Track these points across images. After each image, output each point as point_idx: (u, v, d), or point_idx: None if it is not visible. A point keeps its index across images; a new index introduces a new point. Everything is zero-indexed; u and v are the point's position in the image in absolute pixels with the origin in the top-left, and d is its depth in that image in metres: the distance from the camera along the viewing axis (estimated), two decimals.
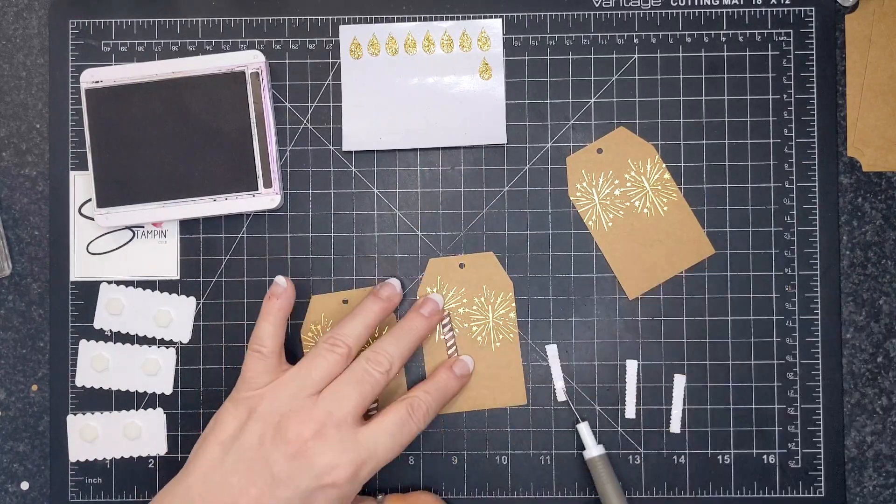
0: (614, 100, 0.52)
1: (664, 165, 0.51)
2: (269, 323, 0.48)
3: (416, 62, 0.52)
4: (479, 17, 0.52)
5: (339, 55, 0.52)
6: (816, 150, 0.52)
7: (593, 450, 0.50)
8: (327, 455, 0.43)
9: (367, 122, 0.52)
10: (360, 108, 0.52)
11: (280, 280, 0.49)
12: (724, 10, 0.52)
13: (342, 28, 0.52)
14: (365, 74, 0.52)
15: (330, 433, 0.44)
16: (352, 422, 0.45)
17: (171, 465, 0.52)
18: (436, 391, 0.48)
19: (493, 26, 0.52)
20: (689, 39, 0.52)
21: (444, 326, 0.51)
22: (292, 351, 0.52)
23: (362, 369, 0.46)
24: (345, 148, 0.52)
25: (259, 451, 0.44)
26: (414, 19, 0.52)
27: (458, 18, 0.52)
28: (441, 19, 0.52)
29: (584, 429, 0.50)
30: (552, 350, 0.51)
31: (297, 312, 0.52)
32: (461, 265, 0.52)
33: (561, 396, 0.51)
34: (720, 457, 0.51)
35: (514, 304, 0.52)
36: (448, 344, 0.51)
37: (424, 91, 0.51)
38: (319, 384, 0.45)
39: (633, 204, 0.51)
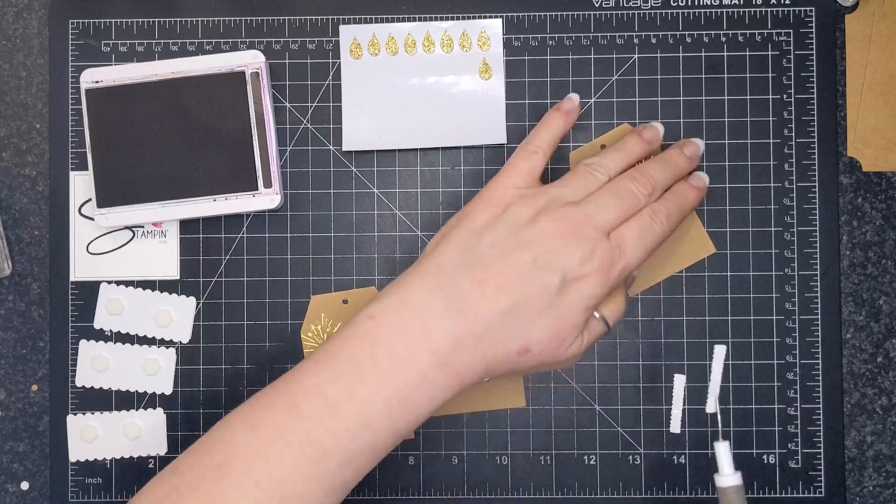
0: (614, 100, 0.52)
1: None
2: (549, 131, 0.48)
3: (416, 62, 0.52)
4: (479, 17, 0.52)
5: (339, 55, 0.52)
6: (816, 150, 0.52)
7: (729, 478, 0.46)
8: (583, 249, 0.43)
9: (367, 122, 0.52)
10: (360, 108, 0.52)
11: (573, 97, 0.49)
12: (724, 10, 0.52)
13: (342, 28, 0.52)
14: (365, 74, 0.52)
15: (587, 232, 0.43)
16: (606, 229, 0.44)
17: None
18: (674, 198, 0.47)
19: (492, 26, 0.52)
20: (689, 39, 0.52)
21: None
22: (292, 352, 0.52)
23: (626, 187, 0.45)
24: (345, 148, 0.52)
25: (515, 240, 0.43)
26: (414, 19, 0.52)
27: (458, 18, 0.52)
28: (441, 19, 0.52)
29: (722, 449, 0.46)
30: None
31: (297, 312, 0.52)
32: None
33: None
34: None
35: None
36: None
37: (424, 91, 0.51)
38: (579, 196, 0.45)
39: None
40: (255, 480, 0.39)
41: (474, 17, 0.52)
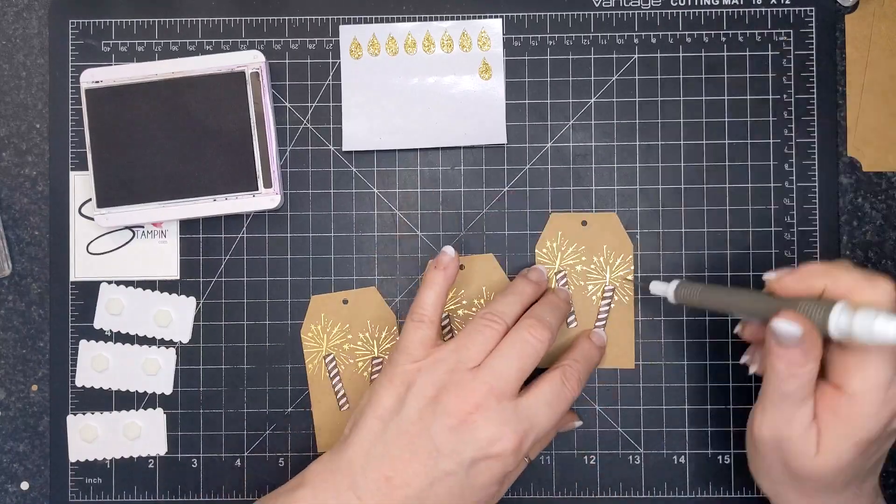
0: (614, 100, 0.52)
1: (632, 269, 0.51)
2: (433, 292, 0.47)
3: (416, 62, 0.52)
4: (480, 18, 0.52)
5: (339, 55, 0.52)
6: (816, 150, 0.52)
7: (671, 287, 0.46)
8: (490, 427, 0.42)
9: (367, 122, 0.52)
10: (361, 107, 0.52)
11: (448, 250, 0.48)
12: (724, 10, 0.52)
13: (342, 28, 0.52)
14: (365, 74, 0.52)
15: (491, 405, 0.43)
16: (511, 394, 0.43)
17: (171, 465, 0.52)
18: (583, 359, 0.47)
19: (492, 26, 0.52)
20: (689, 39, 0.52)
21: (444, 328, 0.51)
22: (292, 352, 0.52)
23: (523, 339, 0.45)
24: (345, 148, 0.52)
25: (419, 425, 0.43)
26: (414, 19, 0.52)
27: (458, 18, 0.52)
28: (441, 19, 0.52)
29: (656, 286, 0.47)
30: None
31: (297, 312, 0.52)
32: (461, 266, 0.52)
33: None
34: (720, 457, 0.51)
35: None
36: None
37: (424, 91, 0.51)
38: (477, 358, 0.44)
39: (586, 286, 0.51)
40: None
41: (474, 18, 0.52)
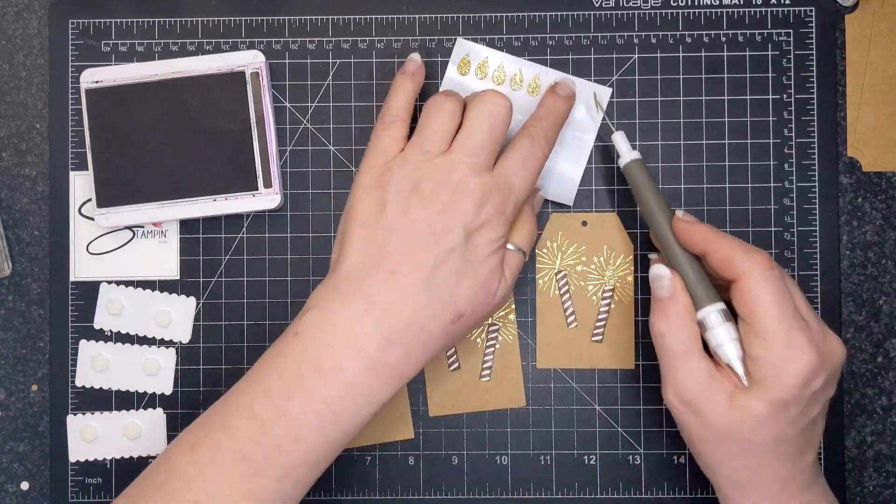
0: (614, 100, 0.52)
1: (632, 269, 0.51)
2: (402, 95, 0.46)
3: (516, 98, 0.51)
4: (592, 80, 0.51)
5: (441, 69, 0.52)
6: (816, 150, 0.52)
7: (627, 155, 0.47)
8: (472, 198, 0.42)
9: None
10: None
11: (415, 57, 0.48)
12: (724, 10, 0.52)
13: (459, 40, 0.51)
14: (464, 91, 0.51)
15: (469, 180, 0.43)
16: (486, 167, 0.44)
17: None
18: (546, 114, 0.47)
19: (602, 93, 0.51)
20: (689, 39, 0.52)
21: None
22: None
23: (485, 110, 0.44)
24: None
25: (408, 218, 0.43)
26: (414, 19, 0.52)
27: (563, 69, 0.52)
28: (441, 19, 0.52)
29: (618, 137, 0.48)
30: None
31: (297, 312, 0.52)
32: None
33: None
34: None
35: (513, 306, 0.52)
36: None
37: (515, 129, 0.51)
38: (446, 141, 0.44)
39: (586, 287, 0.51)
40: (195, 499, 0.40)
41: (588, 79, 0.51)
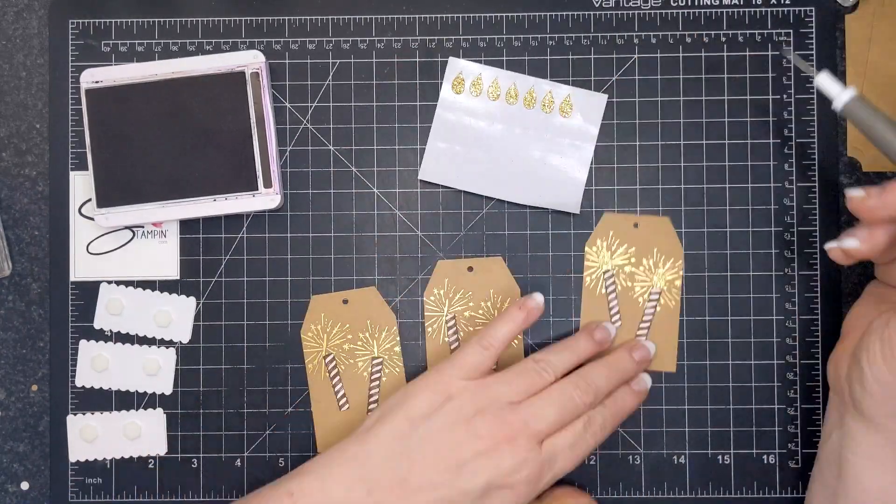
0: (614, 100, 0.52)
1: (682, 274, 0.51)
2: (507, 328, 0.47)
3: (512, 112, 0.51)
4: (588, 89, 0.51)
5: (439, 87, 0.52)
6: (816, 150, 0.52)
7: (843, 94, 0.44)
8: (514, 458, 0.43)
9: (447, 157, 0.51)
10: (447, 142, 0.51)
11: (538, 297, 0.48)
12: (724, 10, 0.52)
13: (451, 60, 0.52)
14: (460, 111, 0.51)
15: (520, 440, 0.44)
16: (540, 437, 0.44)
17: (171, 465, 0.52)
18: (612, 406, 0.47)
19: (597, 101, 0.51)
20: (689, 39, 0.52)
21: (449, 329, 0.51)
22: (292, 352, 0.52)
23: (569, 395, 0.45)
24: (420, 177, 0.51)
25: (449, 437, 0.43)
26: (414, 19, 0.52)
27: (563, 82, 0.52)
28: (441, 19, 0.52)
29: (823, 79, 0.44)
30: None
31: (297, 312, 0.52)
32: (470, 268, 0.52)
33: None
34: (720, 457, 0.51)
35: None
36: (452, 346, 0.51)
37: (513, 143, 0.51)
38: (521, 396, 0.45)
39: (633, 287, 0.51)
40: None
41: (583, 87, 0.51)
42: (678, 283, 0.51)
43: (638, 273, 0.51)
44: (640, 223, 0.51)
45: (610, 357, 0.48)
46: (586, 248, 0.51)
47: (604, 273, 0.51)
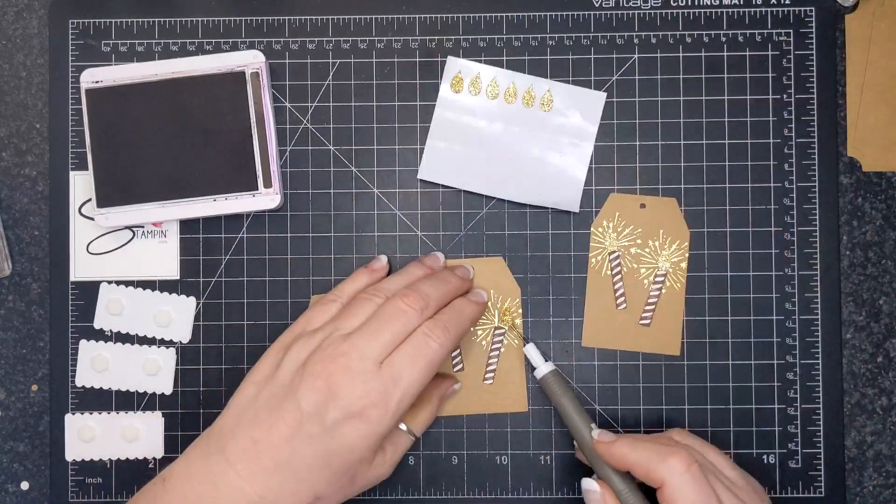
0: (614, 100, 0.52)
1: (688, 255, 0.51)
2: (355, 285, 0.49)
3: (511, 112, 0.51)
4: (587, 87, 0.51)
5: (438, 88, 0.52)
6: (816, 150, 0.52)
7: (543, 367, 0.49)
8: (352, 387, 0.42)
9: (446, 156, 0.51)
10: (446, 140, 0.51)
11: (382, 259, 0.51)
12: (724, 10, 0.52)
13: (449, 59, 0.52)
14: (459, 110, 0.51)
15: (355, 366, 0.43)
16: (376, 358, 0.43)
17: None
18: (449, 311, 0.47)
19: (596, 99, 0.51)
20: (689, 39, 0.52)
21: None
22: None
23: (397, 307, 0.45)
24: (420, 176, 0.51)
25: (288, 388, 0.43)
26: (414, 19, 0.52)
27: (560, 80, 0.52)
28: (441, 19, 0.52)
29: (531, 350, 0.50)
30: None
31: (297, 312, 0.52)
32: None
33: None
34: None
35: (520, 311, 0.52)
36: None
37: (512, 142, 0.51)
38: (354, 327, 0.45)
39: (639, 269, 0.51)
40: None
41: (582, 86, 0.51)
42: (683, 264, 0.51)
43: (643, 254, 0.51)
44: (646, 203, 0.51)
45: (433, 275, 0.49)
46: (592, 229, 0.51)
47: (609, 254, 0.51)
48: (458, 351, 0.51)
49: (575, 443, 0.49)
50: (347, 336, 0.44)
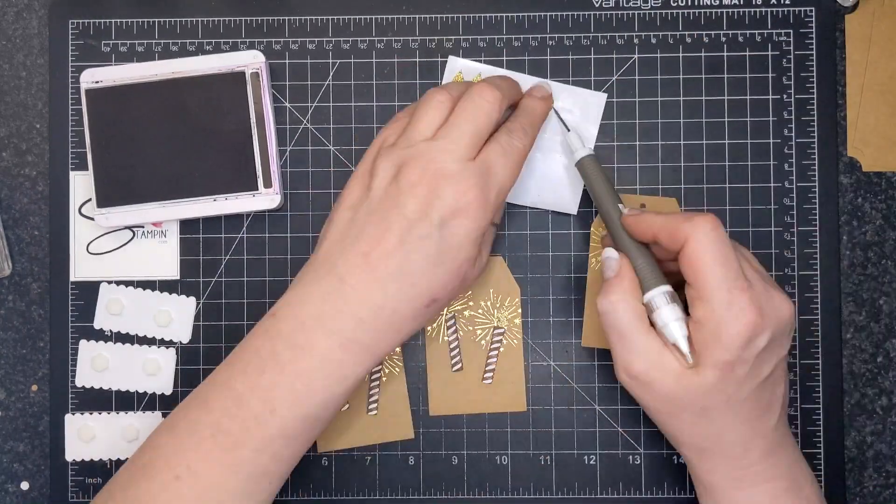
0: (614, 100, 0.52)
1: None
2: (426, 107, 0.46)
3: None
4: (587, 87, 0.51)
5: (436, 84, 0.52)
6: (816, 150, 0.52)
7: (580, 152, 0.48)
8: (451, 186, 0.42)
9: None
10: None
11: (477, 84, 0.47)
12: (724, 10, 0.52)
13: (451, 59, 0.52)
14: None
15: (449, 167, 0.43)
16: (467, 156, 0.43)
17: None
18: (522, 113, 0.47)
19: (595, 100, 0.51)
20: (689, 39, 0.52)
21: (449, 328, 0.51)
22: None
23: (474, 102, 0.44)
24: None
25: (388, 202, 0.43)
26: (414, 19, 0.52)
27: (564, 82, 0.52)
28: (441, 19, 0.52)
29: (572, 136, 0.49)
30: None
31: None
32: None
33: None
34: None
35: (520, 311, 0.52)
36: (451, 346, 0.51)
37: None
38: (429, 131, 0.45)
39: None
40: (175, 475, 0.41)
41: (581, 85, 0.51)
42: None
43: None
44: (646, 204, 0.51)
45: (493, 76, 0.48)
46: (592, 229, 0.51)
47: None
48: (457, 351, 0.51)
49: (606, 226, 0.48)
50: (432, 141, 0.44)
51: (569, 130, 0.49)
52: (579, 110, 0.51)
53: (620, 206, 0.46)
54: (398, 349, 0.52)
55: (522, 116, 0.47)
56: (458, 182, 0.43)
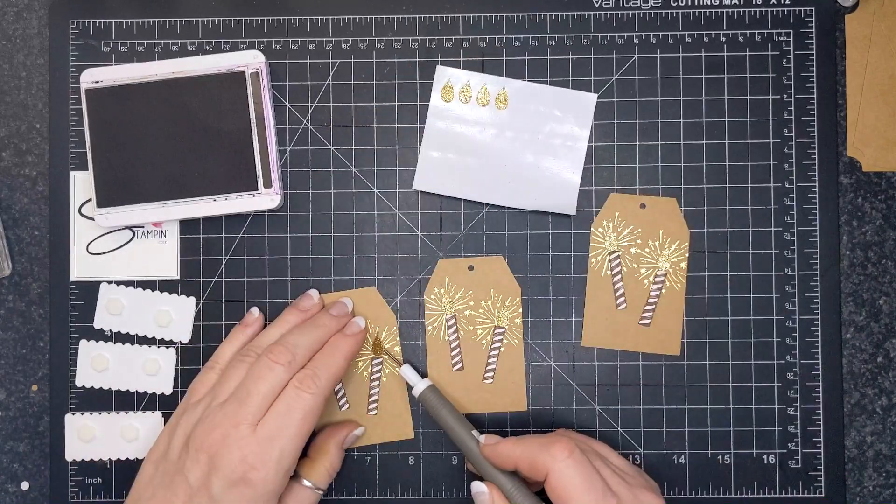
0: (614, 100, 0.52)
1: (688, 255, 0.51)
2: (232, 346, 0.49)
3: (503, 118, 0.51)
4: (588, 89, 0.52)
5: (429, 94, 0.52)
6: (816, 150, 0.52)
7: (420, 385, 0.49)
8: (230, 455, 0.43)
9: (441, 166, 0.51)
10: (440, 150, 0.51)
11: (254, 311, 0.51)
12: (724, 10, 0.52)
13: (438, 68, 0.52)
14: (451, 119, 0.51)
15: (231, 434, 0.44)
16: (251, 421, 0.44)
17: None
18: (322, 354, 0.47)
19: (587, 100, 0.51)
20: (689, 39, 0.52)
21: (449, 328, 0.51)
22: None
23: (265, 365, 0.46)
24: (415, 187, 0.51)
25: (177, 464, 0.44)
26: (414, 19, 0.52)
27: (556, 84, 0.52)
28: (441, 19, 0.52)
29: (407, 370, 0.50)
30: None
31: None
32: (470, 267, 0.52)
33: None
34: (720, 457, 0.51)
35: (520, 310, 0.52)
36: (452, 346, 0.51)
37: (506, 147, 0.51)
38: (227, 393, 0.46)
39: (639, 269, 0.51)
40: None
41: (581, 85, 0.52)
42: (683, 264, 0.51)
43: (643, 254, 0.51)
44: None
45: (306, 321, 0.49)
46: (592, 229, 0.52)
47: (609, 254, 0.51)
48: (458, 350, 0.51)
49: (464, 455, 0.49)
50: (223, 405, 0.45)
51: (400, 367, 0.50)
52: (571, 113, 0.51)
53: (474, 432, 0.47)
54: (397, 349, 0.52)
55: (320, 360, 0.47)
56: (236, 451, 0.43)
